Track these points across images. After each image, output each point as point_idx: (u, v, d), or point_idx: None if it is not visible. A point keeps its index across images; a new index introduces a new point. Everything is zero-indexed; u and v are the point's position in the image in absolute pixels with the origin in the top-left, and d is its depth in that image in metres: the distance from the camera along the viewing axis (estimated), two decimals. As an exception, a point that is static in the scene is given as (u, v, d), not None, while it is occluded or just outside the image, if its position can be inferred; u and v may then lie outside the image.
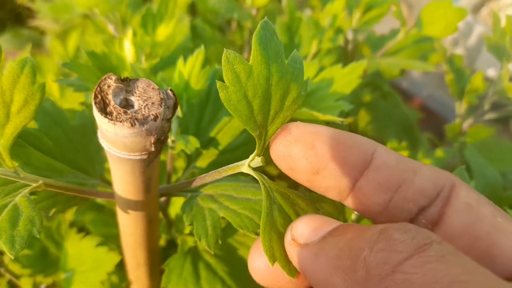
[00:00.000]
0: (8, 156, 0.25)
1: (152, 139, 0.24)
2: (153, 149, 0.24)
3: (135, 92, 0.24)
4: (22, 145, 0.30)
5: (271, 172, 0.55)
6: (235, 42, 0.76)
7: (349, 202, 0.24)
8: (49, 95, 0.53)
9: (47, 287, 0.43)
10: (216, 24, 0.74)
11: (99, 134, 0.25)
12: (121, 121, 0.23)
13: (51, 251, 0.45)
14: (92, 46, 0.65)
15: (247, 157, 0.26)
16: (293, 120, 0.30)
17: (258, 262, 0.25)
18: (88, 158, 0.34)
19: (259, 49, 0.23)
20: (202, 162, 0.38)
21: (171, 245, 0.46)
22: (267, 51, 0.23)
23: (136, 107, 0.24)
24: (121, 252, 0.43)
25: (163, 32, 0.45)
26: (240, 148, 0.39)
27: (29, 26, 1.16)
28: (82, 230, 0.49)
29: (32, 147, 0.31)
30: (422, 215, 0.23)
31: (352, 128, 0.73)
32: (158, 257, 0.39)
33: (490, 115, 0.69)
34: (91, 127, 0.35)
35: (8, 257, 0.46)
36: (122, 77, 0.24)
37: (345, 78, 0.42)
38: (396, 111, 0.72)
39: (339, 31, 0.60)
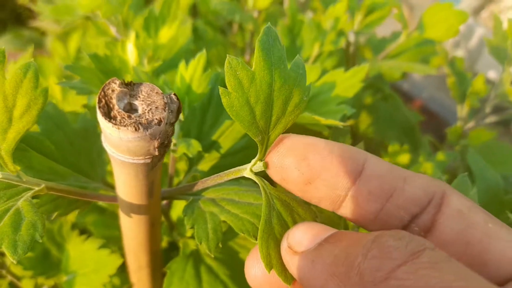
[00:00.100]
0: (10, 160, 0.25)
1: (156, 143, 0.24)
2: (156, 153, 0.24)
3: (139, 97, 0.24)
4: (24, 149, 0.30)
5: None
6: (236, 44, 0.76)
7: (342, 212, 0.25)
8: (51, 97, 0.53)
9: (48, 289, 0.43)
10: (218, 26, 0.74)
11: (102, 138, 0.25)
12: (125, 126, 0.23)
13: (52, 253, 0.45)
14: (93, 48, 0.65)
15: (249, 161, 0.27)
16: (295, 124, 0.30)
17: (255, 269, 0.26)
18: (90, 161, 0.34)
19: (262, 55, 0.23)
20: (204, 166, 0.38)
21: (173, 248, 0.46)
22: (270, 57, 0.23)
23: (140, 111, 0.24)
24: (123, 255, 0.43)
25: (165, 34, 0.45)
26: (242, 152, 0.39)
27: (30, 26, 1.16)
28: (84, 231, 0.49)
29: (34, 150, 0.31)
30: (414, 222, 0.23)
31: (353, 131, 0.73)
32: (160, 259, 0.39)
33: (491, 118, 0.69)
34: (93, 130, 0.35)
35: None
36: (126, 82, 0.24)
37: (347, 82, 0.42)
38: (397, 114, 0.72)
39: (341, 33, 0.60)
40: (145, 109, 0.24)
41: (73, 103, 0.52)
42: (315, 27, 0.57)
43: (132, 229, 0.33)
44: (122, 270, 0.43)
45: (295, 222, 0.25)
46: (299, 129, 0.34)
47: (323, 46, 0.58)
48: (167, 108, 0.24)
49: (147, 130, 0.23)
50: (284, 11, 0.75)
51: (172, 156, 0.38)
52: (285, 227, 0.25)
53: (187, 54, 0.53)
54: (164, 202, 0.39)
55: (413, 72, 0.62)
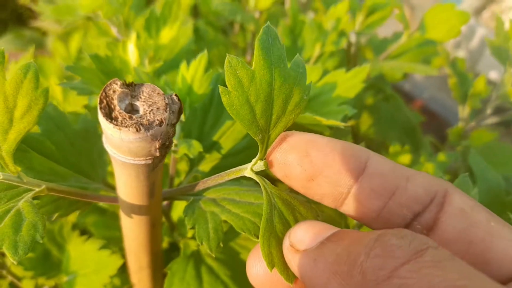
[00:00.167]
0: (11, 161, 0.25)
1: (157, 144, 0.24)
2: (158, 154, 0.24)
3: (140, 97, 0.24)
4: (25, 150, 0.30)
5: (273, 176, 0.55)
6: (237, 44, 0.76)
7: (344, 209, 0.25)
8: (52, 98, 0.53)
9: (49, 290, 0.43)
10: (219, 26, 0.74)
11: (103, 139, 0.25)
12: (126, 126, 0.23)
13: (53, 254, 0.45)
14: (94, 49, 0.65)
15: (250, 161, 0.27)
16: (296, 124, 0.30)
17: (256, 268, 0.26)
18: (91, 162, 0.34)
19: (262, 54, 0.23)
20: (205, 166, 0.38)
21: (173, 248, 0.46)
22: (270, 55, 0.23)
23: (141, 112, 0.24)
24: (123, 255, 0.43)
25: (166, 35, 0.45)
26: (243, 152, 0.39)
27: (31, 26, 1.16)
28: (84, 232, 0.49)
29: (34, 151, 0.31)
30: (417, 221, 0.23)
31: (354, 131, 0.73)
32: (160, 260, 0.39)
33: (493, 119, 0.69)
34: (94, 131, 0.35)
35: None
36: (127, 82, 0.24)
37: (349, 83, 0.42)
38: (399, 114, 0.72)
39: (342, 34, 0.60)
40: (147, 110, 0.24)
41: (74, 104, 0.52)
42: (317, 28, 0.57)
43: (133, 229, 0.33)
44: (123, 270, 0.43)
45: (296, 221, 0.25)
46: (300, 129, 0.34)
47: (324, 46, 0.58)
48: (168, 109, 0.24)
49: (149, 131, 0.23)
50: (286, 11, 0.75)
51: (173, 156, 0.38)
52: (287, 226, 0.25)
53: (188, 54, 0.53)
54: (165, 202, 0.39)
55: (414, 73, 0.61)
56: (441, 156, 0.61)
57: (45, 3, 0.75)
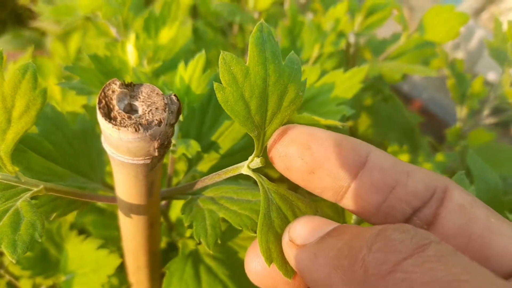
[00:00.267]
0: (9, 161, 0.25)
1: (156, 144, 0.24)
2: (156, 154, 0.24)
3: (139, 97, 0.24)
4: (23, 150, 0.30)
5: (271, 175, 0.55)
6: (236, 45, 0.76)
7: (344, 203, 0.25)
8: (51, 98, 0.53)
9: (47, 290, 0.43)
10: (218, 27, 0.74)
11: (102, 139, 0.25)
12: (125, 126, 0.23)
13: (51, 253, 0.45)
14: (94, 49, 0.65)
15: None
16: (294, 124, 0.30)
17: (254, 264, 0.26)
18: (89, 162, 0.34)
19: (256, 50, 0.23)
20: (203, 166, 0.38)
21: (172, 248, 0.46)
22: (264, 52, 0.23)
23: (140, 112, 0.24)
24: (121, 255, 0.43)
25: (165, 35, 0.45)
26: (241, 152, 0.39)
27: (30, 27, 1.16)
28: (82, 232, 0.49)
29: (32, 151, 0.31)
30: (416, 216, 0.24)
31: (353, 132, 0.73)
32: (159, 260, 0.39)
33: (491, 120, 0.69)
34: (92, 132, 0.35)
35: (8, 258, 0.46)
36: (126, 82, 0.24)
37: (347, 83, 0.42)
38: (397, 115, 0.72)
39: (341, 35, 0.60)
40: (145, 110, 0.24)
41: (73, 104, 0.52)
42: (316, 28, 0.57)
43: (131, 229, 0.33)
44: (121, 270, 0.43)
45: (295, 216, 0.25)
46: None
47: (323, 47, 0.58)
48: (167, 109, 0.24)
49: (147, 131, 0.23)
50: (285, 12, 0.75)
51: (171, 156, 0.38)
52: (285, 221, 0.25)
53: (187, 54, 0.53)
54: (163, 202, 0.39)
55: (413, 74, 0.62)
56: (440, 156, 0.62)
57: (44, 4, 0.75)
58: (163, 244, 0.47)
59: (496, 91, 0.68)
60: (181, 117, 0.35)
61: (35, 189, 0.26)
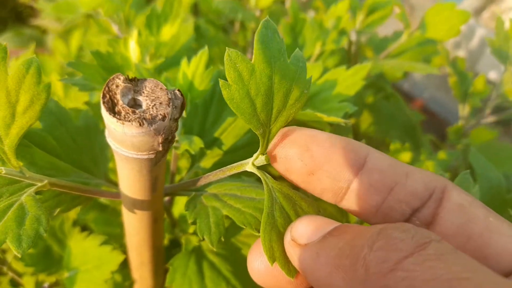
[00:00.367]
0: (13, 156, 0.25)
1: (160, 139, 0.24)
2: (160, 148, 0.24)
3: (143, 92, 0.24)
4: (27, 145, 0.30)
5: (274, 173, 0.55)
6: (238, 43, 0.76)
7: (344, 204, 0.25)
8: (53, 94, 0.53)
9: (50, 286, 0.43)
10: (219, 24, 0.74)
11: (106, 133, 0.25)
12: (129, 121, 0.23)
13: (54, 250, 0.45)
14: (95, 46, 0.65)
15: (251, 157, 0.27)
16: (297, 121, 0.30)
17: (257, 263, 0.26)
18: (92, 158, 0.34)
19: (261, 47, 0.23)
20: (206, 163, 0.38)
21: (174, 245, 0.46)
22: (269, 49, 0.23)
23: (144, 107, 0.24)
24: (124, 251, 0.43)
25: (167, 32, 0.45)
26: (244, 149, 0.39)
27: (31, 25, 1.16)
28: (85, 229, 0.49)
29: (36, 146, 0.31)
30: (416, 216, 0.24)
31: (355, 130, 0.73)
32: (162, 256, 0.39)
33: (492, 118, 0.69)
34: (95, 127, 0.35)
35: (11, 255, 0.46)
36: (130, 77, 0.24)
37: (349, 80, 0.42)
38: (399, 113, 0.72)
39: (342, 32, 0.60)
40: (149, 105, 0.24)
41: (75, 100, 0.52)
42: (317, 26, 0.57)
43: (135, 224, 0.33)
44: (124, 267, 0.43)
45: (298, 215, 0.25)
46: (301, 125, 0.34)
47: (325, 45, 0.58)
48: (171, 104, 0.24)
49: (152, 126, 0.23)
50: (286, 10, 0.75)
51: (174, 153, 0.38)
52: (288, 220, 0.25)
53: (189, 52, 0.53)
54: (166, 199, 0.39)
55: (415, 72, 0.62)
56: (442, 154, 0.62)
57: (45, 1, 0.75)
58: (165, 241, 0.47)
59: (498, 90, 0.68)
60: (184, 113, 0.35)
61: (39, 184, 0.26)
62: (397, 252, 0.18)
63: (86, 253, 0.43)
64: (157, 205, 0.32)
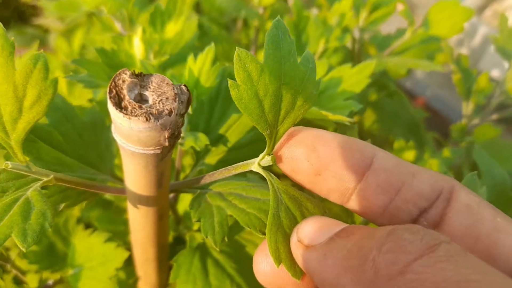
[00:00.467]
0: (20, 151, 0.25)
1: (166, 134, 0.24)
2: (167, 143, 0.24)
3: (149, 87, 0.24)
4: (33, 140, 0.30)
5: (277, 170, 0.55)
6: (241, 40, 0.76)
7: (350, 205, 0.25)
8: (58, 91, 0.53)
9: (54, 283, 0.43)
10: (222, 22, 0.74)
11: (112, 129, 0.25)
12: (136, 116, 0.23)
13: (58, 247, 0.45)
14: (98, 44, 0.65)
15: (256, 155, 0.27)
16: (302, 119, 0.30)
17: (263, 264, 0.26)
18: (98, 153, 0.34)
19: (272, 48, 0.23)
20: (210, 159, 0.38)
21: (179, 242, 0.46)
22: (280, 50, 0.23)
23: (150, 102, 0.24)
24: (128, 249, 0.43)
25: (171, 29, 0.45)
26: (249, 146, 0.39)
27: (33, 24, 1.16)
28: (88, 226, 0.49)
29: (43, 142, 0.31)
30: (423, 217, 0.24)
31: (358, 128, 0.73)
32: (166, 253, 0.39)
33: (495, 116, 0.69)
34: (101, 123, 0.35)
35: (15, 253, 0.46)
36: (136, 73, 0.24)
37: (354, 78, 0.42)
38: (402, 111, 0.72)
39: (346, 30, 0.60)
40: (156, 100, 0.24)
41: (79, 98, 0.52)
42: (321, 23, 0.57)
43: (140, 221, 0.33)
44: (128, 264, 0.43)
45: (303, 216, 0.25)
46: (306, 123, 0.34)
47: (328, 42, 0.58)
48: (177, 99, 0.24)
49: (158, 120, 0.23)
50: (289, 7, 0.75)
51: (180, 149, 0.38)
52: (294, 221, 0.25)
53: (192, 50, 0.53)
54: (171, 195, 0.39)
55: (418, 69, 0.61)
56: (446, 152, 0.61)
57: (47, 0, 0.75)
58: (170, 238, 0.47)
59: (501, 87, 0.67)
60: (190, 110, 0.35)
61: (45, 179, 0.26)
62: (407, 254, 0.18)
63: (91, 250, 0.43)
64: (162, 201, 0.32)
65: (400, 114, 0.71)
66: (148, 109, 0.23)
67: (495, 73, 1.18)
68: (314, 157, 0.24)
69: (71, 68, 0.72)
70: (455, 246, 0.18)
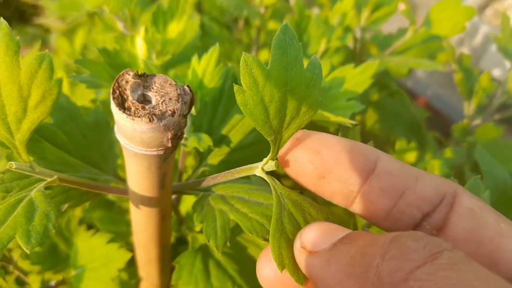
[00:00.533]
0: (24, 151, 0.25)
1: (169, 135, 0.24)
2: (170, 144, 0.24)
3: (153, 88, 0.24)
4: (38, 139, 0.30)
5: (278, 171, 0.55)
6: (242, 40, 0.76)
7: (354, 208, 0.25)
8: (60, 92, 0.53)
9: (56, 284, 0.43)
10: (223, 22, 0.74)
11: (115, 129, 0.25)
12: (139, 116, 0.23)
13: (60, 248, 0.45)
14: (100, 44, 0.65)
15: (258, 155, 0.27)
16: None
17: (267, 269, 0.26)
18: (102, 154, 0.34)
19: (278, 53, 0.22)
20: (213, 160, 0.38)
21: (181, 243, 0.46)
22: (286, 56, 0.23)
23: (153, 102, 0.24)
24: (130, 250, 0.43)
25: (174, 29, 0.45)
26: (251, 147, 0.39)
27: (34, 24, 1.16)
28: (90, 227, 0.49)
29: (47, 141, 0.31)
30: (426, 221, 0.24)
31: (360, 127, 0.73)
32: (169, 253, 0.39)
33: (496, 116, 0.69)
34: (105, 124, 0.35)
35: (17, 253, 0.46)
36: (139, 73, 0.24)
37: (357, 78, 0.42)
38: (404, 110, 0.72)
39: (347, 29, 0.60)
40: (159, 100, 0.24)
41: (81, 98, 0.52)
42: (322, 23, 0.57)
43: (142, 221, 0.33)
44: (130, 265, 0.43)
45: (307, 222, 0.25)
46: (308, 125, 0.34)
47: (330, 42, 0.58)
48: (180, 100, 0.24)
49: (161, 121, 0.23)
50: (291, 7, 0.75)
51: (183, 150, 0.38)
52: (297, 227, 0.25)
53: (194, 49, 0.53)
54: (174, 196, 0.39)
55: (420, 68, 0.61)
56: (448, 153, 0.61)
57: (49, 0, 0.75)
58: (172, 238, 0.47)
59: (503, 87, 0.67)
60: (193, 111, 0.35)
61: (49, 179, 0.26)
62: (410, 262, 0.18)
63: (93, 251, 0.43)
64: (165, 202, 0.32)
65: (402, 114, 0.71)
66: (151, 110, 0.23)
67: (496, 72, 1.18)
68: (318, 160, 0.24)
69: (72, 68, 0.72)
70: (458, 254, 0.18)
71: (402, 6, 0.67)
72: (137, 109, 0.23)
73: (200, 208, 0.31)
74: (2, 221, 0.24)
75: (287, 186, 0.27)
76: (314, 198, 0.40)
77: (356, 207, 0.25)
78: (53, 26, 1.01)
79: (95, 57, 0.52)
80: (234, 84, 0.23)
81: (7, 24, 0.24)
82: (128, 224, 0.51)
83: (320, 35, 0.57)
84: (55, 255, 0.45)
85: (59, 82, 0.24)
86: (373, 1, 0.64)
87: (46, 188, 0.26)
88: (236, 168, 0.28)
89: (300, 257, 0.23)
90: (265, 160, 0.26)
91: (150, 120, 0.23)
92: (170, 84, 0.25)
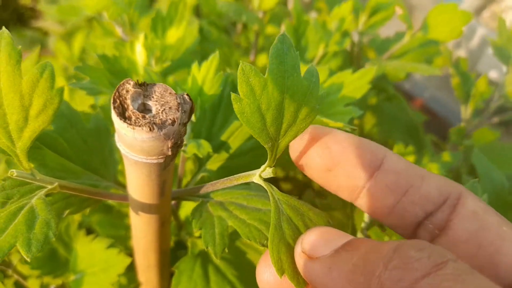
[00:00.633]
0: (25, 159, 0.25)
1: (170, 143, 0.24)
2: (170, 153, 0.25)
3: (153, 97, 0.25)
4: (38, 146, 0.30)
5: (279, 174, 0.55)
6: (240, 44, 0.76)
7: (359, 203, 0.26)
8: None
9: (56, 289, 0.44)
10: (222, 26, 0.74)
11: (116, 138, 0.26)
12: (140, 126, 0.23)
13: (60, 253, 0.45)
14: (99, 49, 0.65)
15: (257, 162, 0.27)
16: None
17: (266, 274, 0.26)
18: (102, 160, 0.34)
19: (276, 62, 0.23)
20: (212, 165, 0.38)
21: (179, 247, 0.46)
22: (284, 64, 0.23)
23: (154, 111, 0.24)
24: (129, 254, 0.43)
25: (173, 35, 0.45)
26: (250, 153, 0.39)
27: (32, 27, 1.16)
28: (90, 231, 0.49)
29: (48, 148, 0.31)
30: (429, 220, 0.24)
31: (358, 131, 0.73)
32: (168, 259, 0.40)
33: (494, 119, 0.69)
34: (105, 130, 0.35)
35: (16, 258, 0.46)
36: (139, 82, 0.25)
37: (355, 83, 0.42)
38: (402, 114, 0.73)
39: (345, 34, 0.60)
40: (159, 110, 0.24)
41: (81, 104, 0.52)
42: (320, 28, 0.58)
43: (142, 228, 0.33)
44: (129, 269, 0.43)
45: (307, 227, 0.25)
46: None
47: (328, 46, 0.58)
48: (180, 109, 0.24)
49: (161, 130, 0.23)
50: (289, 11, 0.75)
51: (183, 156, 0.38)
52: (297, 232, 0.25)
53: (193, 55, 0.53)
54: (173, 202, 0.39)
55: (417, 73, 0.62)
56: (445, 156, 0.62)
57: (47, 3, 0.75)
58: (171, 243, 0.47)
59: (500, 91, 0.68)
60: (193, 118, 0.35)
61: (50, 187, 0.27)
62: (413, 272, 0.18)
63: (93, 256, 0.43)
64: (164, 209, 0.32)
65: (399, 118, 0.72)
66: (152, 119, 0.23)
67: (493, 75, 1.18)
68: (326, 153, 0.25)
69: (71, 72, 0.73)
70: (462, 265, 0.18)
71: (399, 10, 0.67)
72: (138, 118, 0.23)
73: (199, 215, 0.32)
74: (3, 229, 0.24)
75: (286, 190, 0.27)
76: (313, 203, 0.40)
77: (361, 202, 0.26)
78: (52, 29, 1.01)
79: (95, 63, 0.52)
80: (231, 92, 0.23)
81: (9, 34, 0.24)
82: (127, 228, 0.51)
83: (318, 39, 0.58)
84: (54, 260, 0.45)
85: (61, 91, 0.24)
86: (371, 5, 0.64)
87: (47, 194, 0.27)
88: (235, 176, 0.28)
89: (301, 262, 0.23)
90: (262, 167, 0.26)
91: (150, 129, 0.23)
92: (170, 93, 0.25)
